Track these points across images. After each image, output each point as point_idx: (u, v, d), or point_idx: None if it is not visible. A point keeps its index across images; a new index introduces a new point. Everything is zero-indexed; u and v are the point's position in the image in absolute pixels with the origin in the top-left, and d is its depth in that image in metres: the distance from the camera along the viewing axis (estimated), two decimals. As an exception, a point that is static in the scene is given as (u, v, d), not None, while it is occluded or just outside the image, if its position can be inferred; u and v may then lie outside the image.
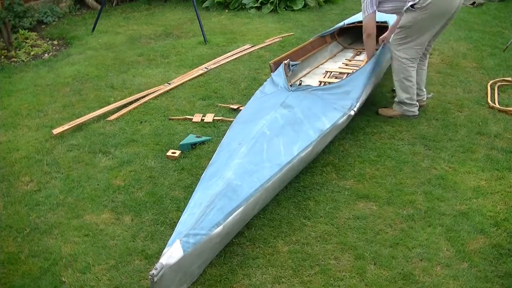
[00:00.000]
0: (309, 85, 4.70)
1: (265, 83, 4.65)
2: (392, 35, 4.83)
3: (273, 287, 2.99)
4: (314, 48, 5.87)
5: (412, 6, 4.48)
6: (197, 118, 4.91)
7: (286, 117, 3.87)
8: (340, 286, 2.99)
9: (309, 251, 3.25)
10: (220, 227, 2.91)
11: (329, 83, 5.09)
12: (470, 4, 8.90)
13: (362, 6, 4.80)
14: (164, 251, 2.70)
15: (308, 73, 5.60)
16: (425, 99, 5.07)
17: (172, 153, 4.30)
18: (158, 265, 2.60)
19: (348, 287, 2.98)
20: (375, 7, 4.75)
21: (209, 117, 4.91)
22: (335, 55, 6.14)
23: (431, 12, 4.47)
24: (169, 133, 4.69)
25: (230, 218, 2.98)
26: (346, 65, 5.72)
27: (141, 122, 4.92)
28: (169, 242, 2.77)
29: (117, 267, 3.15)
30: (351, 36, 6.41)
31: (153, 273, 2.56)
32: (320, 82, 5.29)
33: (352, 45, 6.39)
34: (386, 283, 2.99)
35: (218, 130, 4.69)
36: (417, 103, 4.90)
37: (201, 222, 2.86)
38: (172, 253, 2.67)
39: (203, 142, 4.47)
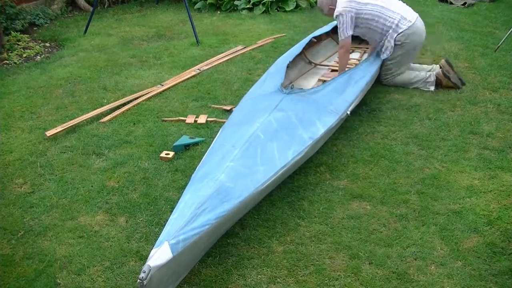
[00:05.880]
0: (302, 88, 4.70)
1: (264, 75, 4.70)
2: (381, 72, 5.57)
3: (268, 287, 3.00)
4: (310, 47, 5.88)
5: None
6: (190, 119, 4.91)
7: (280, 121, 3.85)
8: (335, 285, 3.00)
9: (304, 251, 3.26)
10: (210, 228, 2.85)
11: (324, 81, 5.11)
12: (461, 5, 8.94)
13: (339, 29, 5.26)
14: (152, 252, 2.63)
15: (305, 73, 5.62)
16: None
17: (166, 154, 4.30)
18: (145, 268, 2.52)
19: (343, 286, 2.99)
20: (351, 32, 5.25)
21: (202, 118, 4.91)
22: (331, 53, 6.15)
23: (408, 48, 5.33)
24: (163, 134, 4.69)
25: (221, 218, 2.92)
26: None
27: (134, 123, 4.91)
28: (157, 243, 2.69)
29: (112, 268, 3.15)
30: None
31: (142, 277, 2.49)
32: (319, 80, 5.36)
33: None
34: (381, 283, 3.00)
35: (211, 131, 4.69)
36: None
37: (191, 223, 2.79)
38: (161, 255, 2.60)
39: (196, 143, 4.46)
